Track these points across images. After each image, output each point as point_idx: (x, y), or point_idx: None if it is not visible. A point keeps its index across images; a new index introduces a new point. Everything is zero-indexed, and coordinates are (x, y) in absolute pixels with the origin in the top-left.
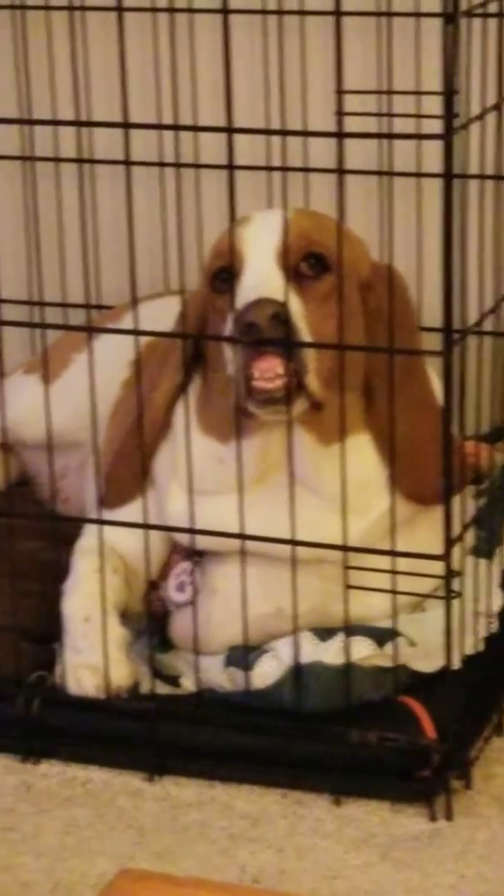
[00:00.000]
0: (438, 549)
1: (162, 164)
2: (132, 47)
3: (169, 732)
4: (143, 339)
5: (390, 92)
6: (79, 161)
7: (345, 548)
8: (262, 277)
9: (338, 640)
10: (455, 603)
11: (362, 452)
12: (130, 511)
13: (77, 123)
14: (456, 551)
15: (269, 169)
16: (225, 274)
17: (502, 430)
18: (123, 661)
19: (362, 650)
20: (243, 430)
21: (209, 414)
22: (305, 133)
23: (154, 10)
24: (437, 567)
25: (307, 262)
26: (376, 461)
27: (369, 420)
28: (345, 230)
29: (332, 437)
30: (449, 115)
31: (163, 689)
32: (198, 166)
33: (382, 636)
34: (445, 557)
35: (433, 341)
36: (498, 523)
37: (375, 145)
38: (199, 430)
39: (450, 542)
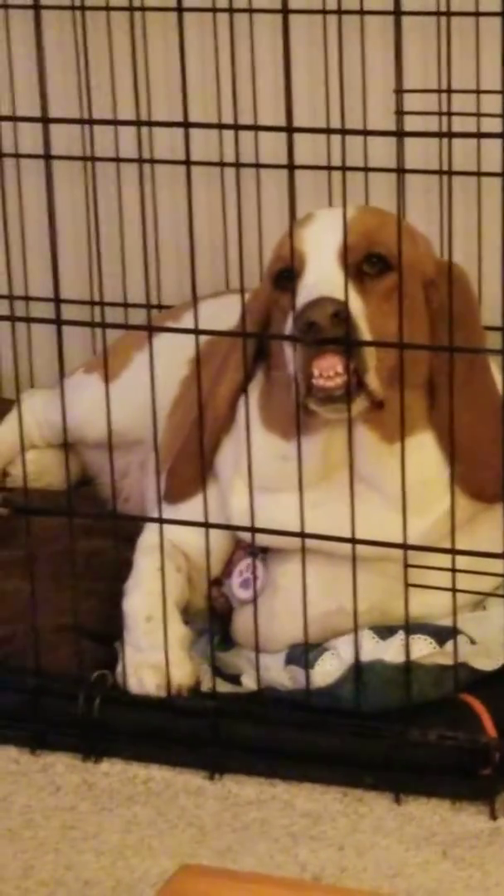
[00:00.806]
0: (499, 547)
1: (222, 164)
2: (192, 47)
3: (230, 731)
4: (204, 337)
5: (450, 91)
6: (139, 161)
7: (405, 546)
8: (322, 276)
9: (398, 639)
10: None
11: (425, 451)
12: (193, 507)
13: (137, 123)
14: None
15: (329, 168)
16: (287, 272)
17: None
18: (185, 660)
19: (423, 648)
20: (306, 428)
21: (272, 411)
22: (365, 132)
23: (214, 10)
24: (498, 565)
25: (369, 261)
26: (439, 459)
27: (432, 418)
28: (409, 228)
29: (395, 435)
30: None
31: (224, 687)
32: (258, 166)
33: (443, 634)
34: None
35: (493, 339)
36: None
37: (435, 144)
38: (261, 427)
39: None
